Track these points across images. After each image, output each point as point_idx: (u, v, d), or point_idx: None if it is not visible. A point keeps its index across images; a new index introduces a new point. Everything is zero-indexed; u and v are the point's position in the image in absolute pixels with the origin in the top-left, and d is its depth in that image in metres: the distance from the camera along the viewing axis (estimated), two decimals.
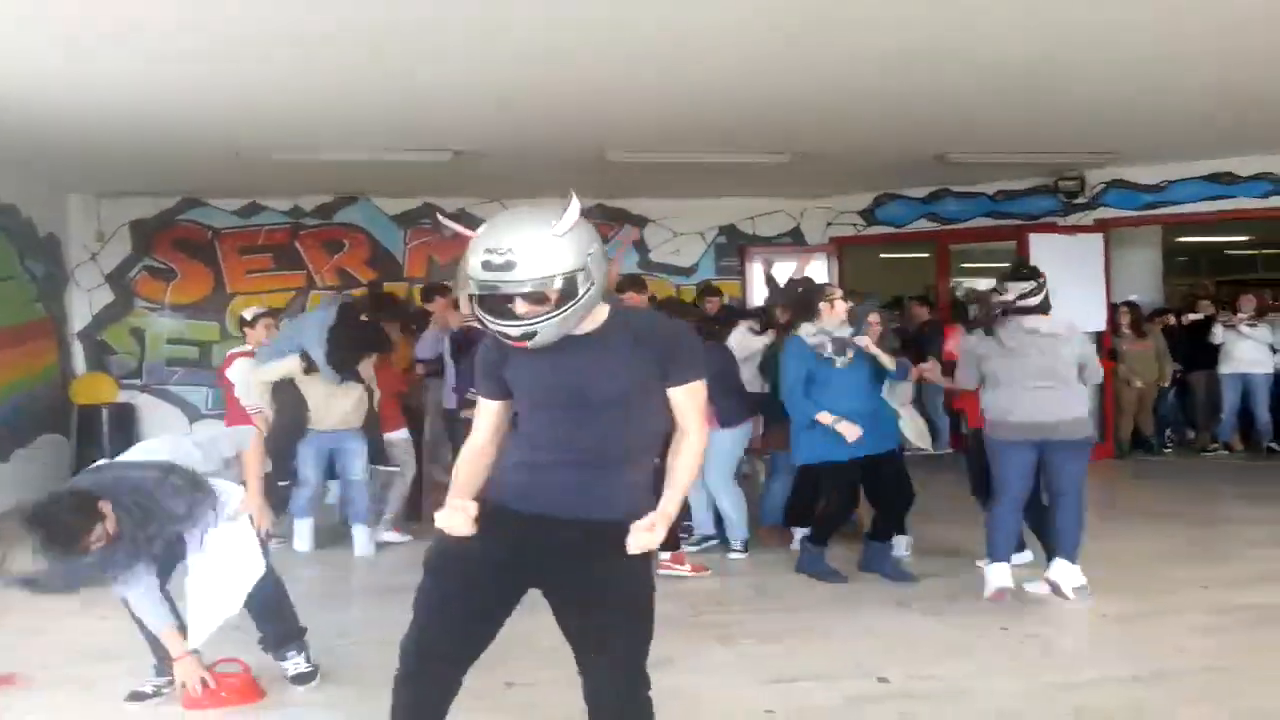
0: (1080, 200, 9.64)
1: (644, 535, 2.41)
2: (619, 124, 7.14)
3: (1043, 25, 5.15)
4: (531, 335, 2.34)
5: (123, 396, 9.63)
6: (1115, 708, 3.75)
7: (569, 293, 2.33)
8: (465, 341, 6.69)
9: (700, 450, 2.57)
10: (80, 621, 4.98)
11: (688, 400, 2.53)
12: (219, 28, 4.84)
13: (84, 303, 9.69)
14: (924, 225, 10.56)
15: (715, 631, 4.64)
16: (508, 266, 2.27)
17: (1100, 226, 9.57)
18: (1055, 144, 8.26)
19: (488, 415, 2.65)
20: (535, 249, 2.30)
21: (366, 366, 6.26)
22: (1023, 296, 5.04)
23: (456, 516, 2.46)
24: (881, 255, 12.80)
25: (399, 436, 6.64)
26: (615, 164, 8.18)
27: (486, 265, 2.29)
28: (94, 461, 9.02)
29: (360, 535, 6.31)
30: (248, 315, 6.82)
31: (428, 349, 7.14)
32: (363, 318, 6.45)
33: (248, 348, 6.62)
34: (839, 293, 5.53)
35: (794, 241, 11.04)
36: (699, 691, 3.89)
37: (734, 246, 10.96)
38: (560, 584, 2.57)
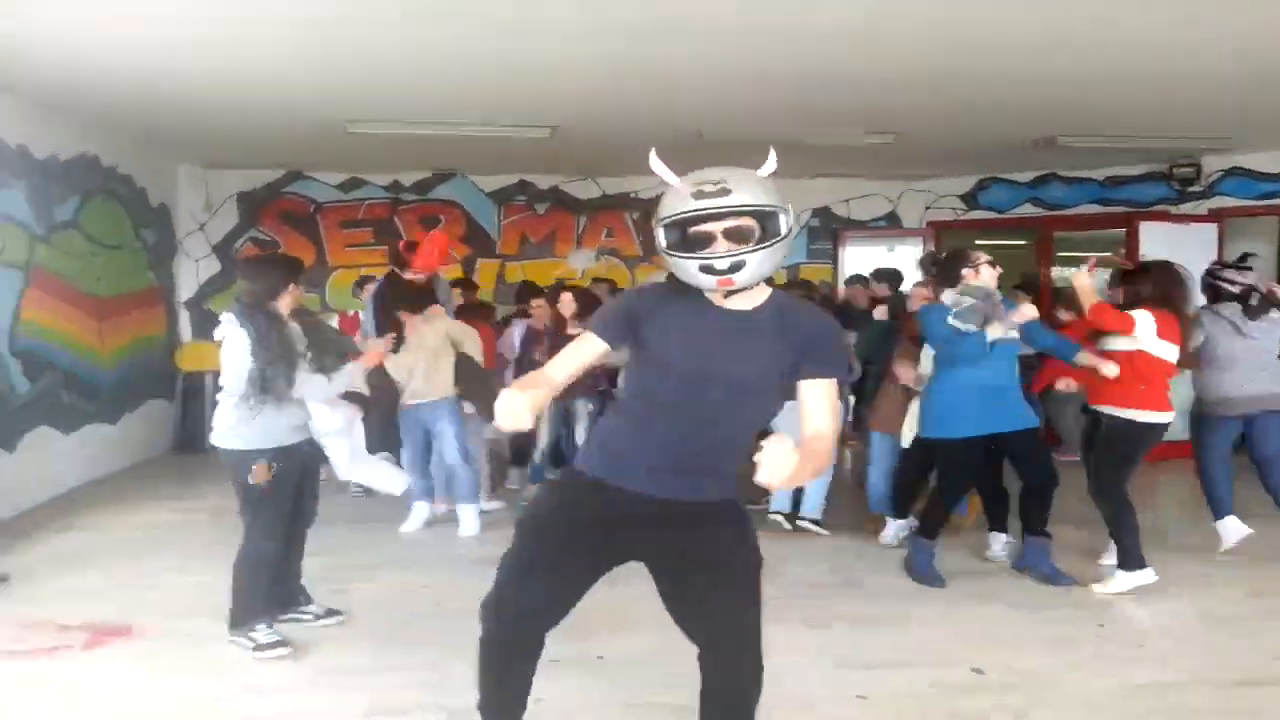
0: (1195, 188, 9.28)
1: (781, 455, 2.08)
2: (717, 102, 7.06)
3: (1159, 5, 4.94)
4: (740, 266, 2.32)
5: None
6: (1210, 711, 3.62)
7: (773, 230, 2.34)
8: (531, 337, 6.89)
9: (833, 441, 2.48)
10: (184, 579, 5.19)
11: (820, 398, 2.45)
12: (326, 1, 4.92)
13: (191, 272, 10.00)
14: (1028, 210, 10.26)
15: (801, 614, 4.59)
16: (723, 193, 2.30)
17: (1215, 216, 9.19)
18: (1170, 129, 7.93)
19: (587, 353, 2.52)
20: (748, 181, 2.35)
21: (417, 330, 6.06)
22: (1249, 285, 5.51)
23: (517, 400, 2.25)
24: (976, 242, 12.46)
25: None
26: (711, 143, 8.12)
27: (699, 194, 2.31)
28: (196, 428, 9.41)
29: (465, 514, 6.13)
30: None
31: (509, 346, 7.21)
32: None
33: None
34: (984, 257, 5.04)
35: (890, 225, 10.84)
36: (788, 674, 3.84)
37: (827, 229, 10.81)
38: (663, 556, 2.57)
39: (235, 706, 3.61)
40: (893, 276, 8.43)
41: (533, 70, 6.19)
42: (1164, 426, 5.08)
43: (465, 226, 10.33)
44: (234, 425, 4.07)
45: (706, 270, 2.32)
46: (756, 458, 2.10)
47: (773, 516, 6.14)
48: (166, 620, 4.52)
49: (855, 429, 6.83)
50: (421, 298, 6.39)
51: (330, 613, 4.50)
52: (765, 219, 2.34)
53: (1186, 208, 9.32)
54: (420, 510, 6.28)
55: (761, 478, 2.10)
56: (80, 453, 7.66)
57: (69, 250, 7.54)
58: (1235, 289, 5.48)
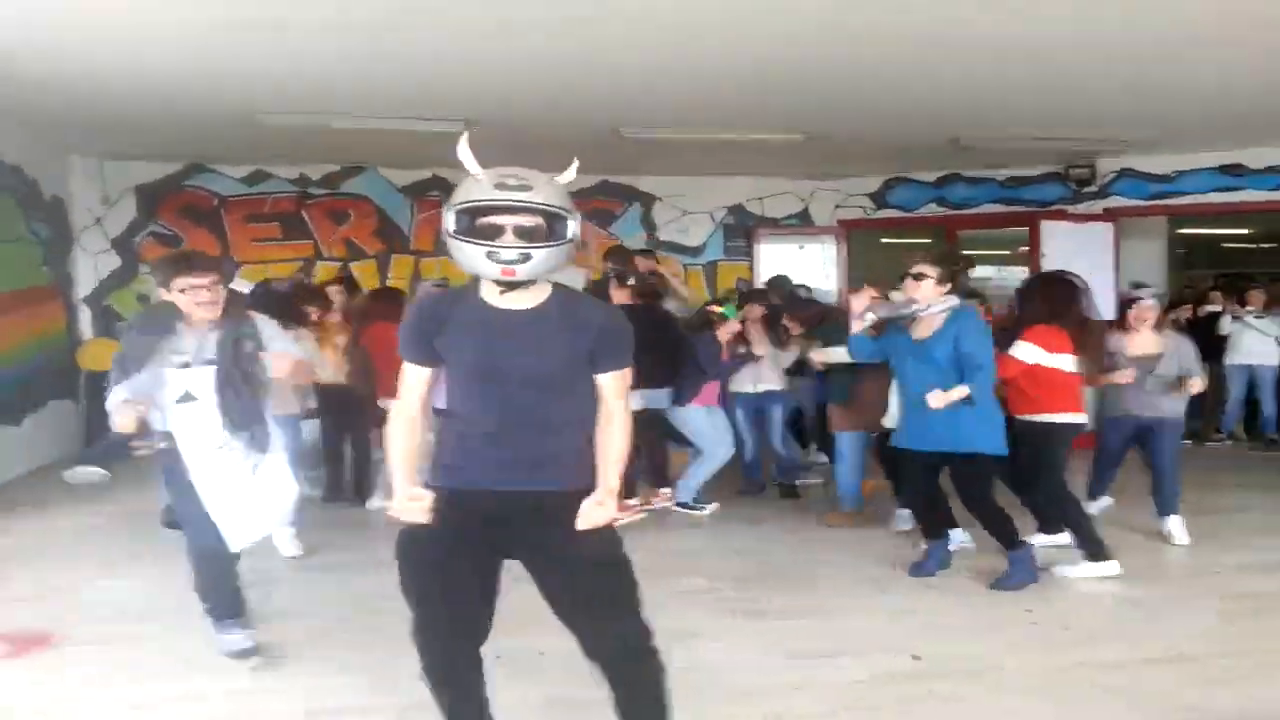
0: (1090, 188, 9.67)
1: (595, 511, 2.54)
2: (633, 100, 7.11)
3: (1058, 11, 5.14)
4: (526, 259, 2.42)
5: None
6: (1140, 689, 3.78)
7: (559, 233, 2.46)
8: None
9: (628, 428, 2.64)
10: (105, 583, 5.01)
11: (614, 386, 2.62)
12: None
13: (89, 267, 9.61)
14: (933, 210, 10.55)
15: (740, 606, 4.66)
16: (524, 188, 2.42)
17: (1110, 215, 9.60)
18: (1067, 131, 8.25)
19: (419, 382, 2.66)
20: (546, 183, 2.48)
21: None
22: None
23: (412, 506, 2.55)
24: (883, 240, 12.77)
25: None
26: (628, 140, 8.16)
27: (501, 186, 2.42)
28: (102, 428, 9.05)
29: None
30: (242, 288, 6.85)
31: None
32: None
33: None
34: (914, 269, 4.88)
35: (802, 223, 11.03)
36: (725, 665, 3.92)
37: (742, 227, 10.94)
38: (529, 552, 2.64)
39: (168, 712, 3.50)
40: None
41: (448, 62, 6.12)
42: (1076, 426, 5.34)
43: (377, 221, 10.16)
44: None
45: (492, 257, 2.41)
46: (579, 519, 2.52)
47: (677, 510, 6.46)
48: (88, 626, 4.37)
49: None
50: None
51: None
52: (554, 221, 2.46)
53: (1082, 208, 9.71)
54: None
55: (581, 525, 2.51)
56: None
57: None
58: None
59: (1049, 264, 9.11)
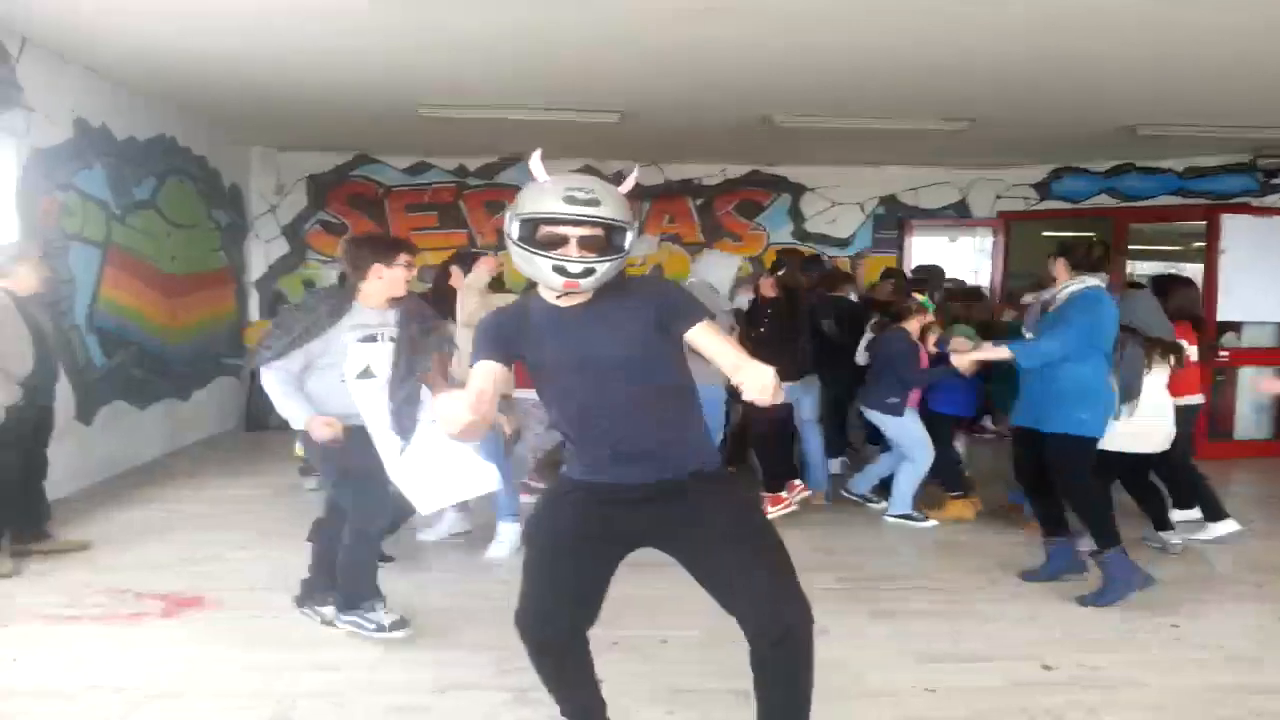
0: None
1: (755, 372, 2.26)
2: (786, 87, 6.99)
3: None
4: (590, 273, 2.43)
5: None
6: None
7: (618, 245, 2.48)
8: None
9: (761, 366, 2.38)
10: (253, 553, 5.28)
11: (708, 339, 2.51)
12: None
13: (261, 253, 10.17)
14: (1103, 201, 10.00)
15: (869, 606, 4.54)
16: (593, 202, 2.41)
17: None
18: (1256, 118, 7.66)
19: (484, 376, 2.53)
20: (613, 195, 2.48)
21: None
22: None
23: (454, 403, 2.36)
24: (1044, 234, 12.21)
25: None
26: (780, 129, 8.04)
27: (571, 200, 2.40)
28: (265, 406, 9.57)
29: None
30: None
31: None
32: None
33: None
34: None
35: (958, 215, 10.65)
36: (856, 665, 3.82)
37: (894, 218, 10.64)
38: (671, 539, 2.63)
39: (306, 679, 3.65)
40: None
41: (601, 54, 6.16)
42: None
43: None
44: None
45: (559, 270, 2.42)
46: (739, 383, 2.28)
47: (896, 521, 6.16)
48: (237, 593, 4.61)
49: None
50: None
51: None
52: (613, 233, 2.46)
53: (1271, 200, 9.02)
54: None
55: (749, 395, 2.26)
56: (153, 427, 7.84)
57: (145, 229, 7.70)
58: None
59: (1229, 260, 8.55)
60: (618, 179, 2.61)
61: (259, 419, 9.49)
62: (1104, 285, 4.88)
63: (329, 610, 4.15)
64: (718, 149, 9.51)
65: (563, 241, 2.43)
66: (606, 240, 2.45)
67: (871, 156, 9.89)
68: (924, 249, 10.30)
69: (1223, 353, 8.61)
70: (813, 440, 6.57)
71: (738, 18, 5.37)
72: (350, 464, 3.91)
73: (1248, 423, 8.97)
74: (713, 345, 2.50)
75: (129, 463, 7.36)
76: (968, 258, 11.32)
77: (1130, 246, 10.24)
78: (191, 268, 8.62)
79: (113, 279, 7.19)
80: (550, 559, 2.67)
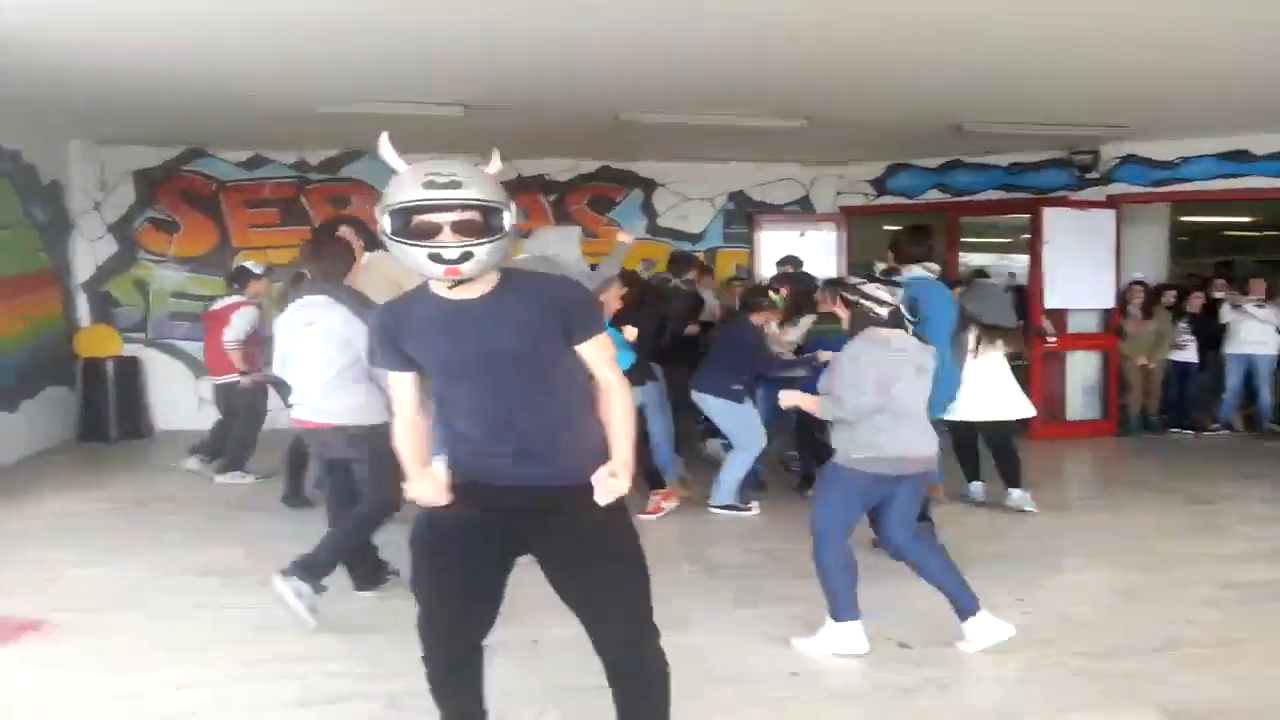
0: (1093, 175, 9.62)
1: (610, 482, 2.45)
2: (633, 83, 7.05)
3: None
4: (468, 256, 2.35)
5: (127, 350, 9.56)
6: (1130, 676, 3.77)
7: (497, 226, 2.39)
8: None
9: (626, 397, 2.58)
10: (94, 571, 5.00)
11: (595, 354, 2.57)
12: None
13: (87, 253, 9.59)
14: (935, 196, 10.50)
15: (731, 593, 4.65)
16: (453, 185, 2.33)
17: (1112, 202, 9.54)
18: (1071, 116, 8.20)
19: (404, 388, 2.63)
20: (476, 176, 2.39)
21: None
22: None
23: (426, 484, 2.51)
24: (884, 227, 12.73)
25: None
26: (627, 125, 8.11)
27: (430, 184, 2.33)
28: (99, 415, 9.14)
29: None
30: (254, 268, 7.38)
31: None
32: None
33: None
34: None
35: (803, 210, 10.98)
36: (718, 651, 3.91)
37: (742, 213, 10.89)
38: (545, 547, 2.60)
39: (161, 701, 3.49)
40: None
41: (447, 45, 6.06)
42: None
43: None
44: (364, 402, 4.27)
45: (434, 259, 2.36)
46: (597, 494, 2.44)
47: (718, 512, 6.26)
48: (80, 614, 4.36)
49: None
50: None
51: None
52: (489, 215, 2.39)
53: (1086, 194, 9.66)
54: None
55: (601, 500, 2.44)
56: None
57: None
58: (883, 310, 4.06)
59: (1051, 251, 9.11)
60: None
61: (93, 430, 8.98)
62: (932, 276, 5.24)
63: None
64: (568, 145, 9.52)
65: (436, 229, 2.35)
66: (484, 222, 2.38)
67: (719, 153, 10.09)
68: (775, 243, 10.57)
69: (1050, 339, 9.16)
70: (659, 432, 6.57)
71: (580, 13, 5.38)
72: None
73: (1077, 405, 9.57)
74: (599, 360, 2.56)
75: None
76: (817, 251, 11.67)
77: (965, 239, 10.79)
78: (10, 269, 8.07)
79: None
80: (442, 570, 2.59)
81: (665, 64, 6.49)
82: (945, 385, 5.16)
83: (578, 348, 2.54)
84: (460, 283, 2.42)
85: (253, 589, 4.68)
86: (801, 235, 11.74)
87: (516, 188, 10.28)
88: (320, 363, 4.28)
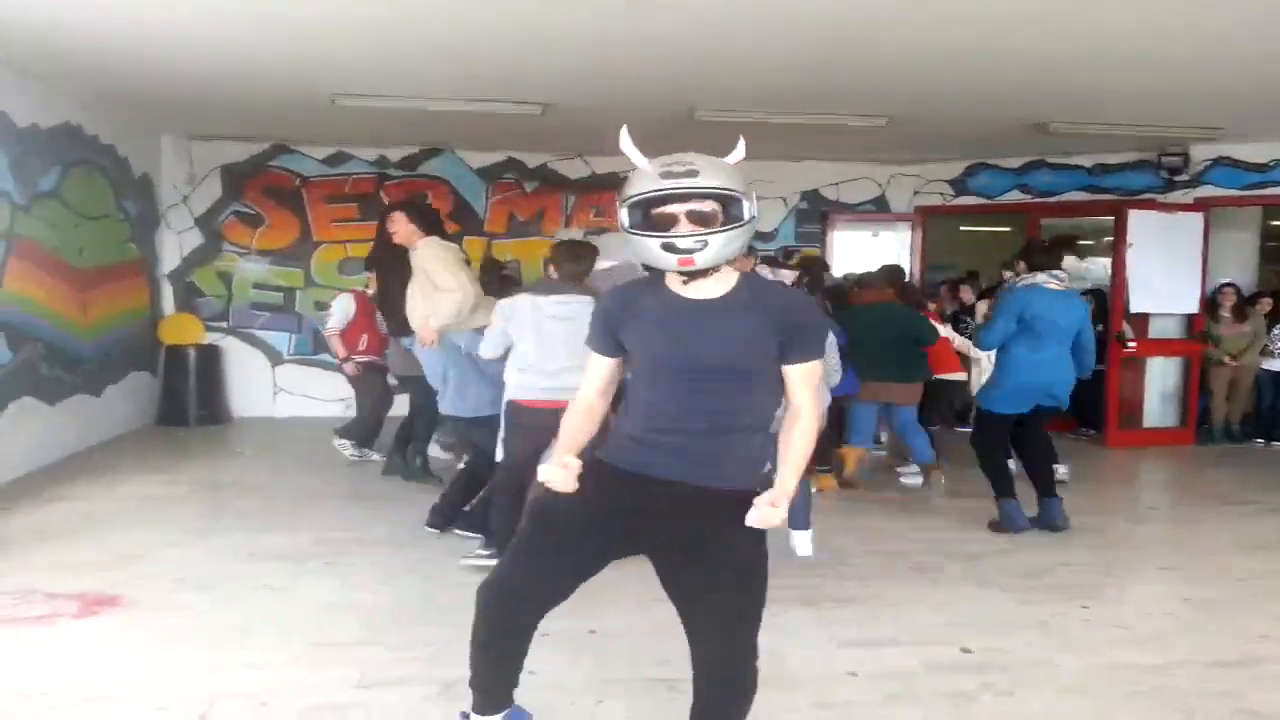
0: (1182, 177, 9.33)
1: (767, 511, 2.38)
2: (711, 82, 7.03)
3: None
4: (703, 246, 2.34)
5: (209, 338, 9.85)
6: (1203, 692, 3.65)
7: (734, 215, 2.38)
8: None
9: (814, 431, 2.54)
10: (171, 551, 5.16)
11: (803, 379, 2.51)
12: None
13: (174, 244, 9.89)
14: (1015, 197, 10.28)
15: (796, 593, 4.61)
16: (690, 174, 2.34)
17: (1201, 205, 9.23)
18: (1161, 117, 7.96)
19: (599, 371, 2.66)
20: (715, 165, 2.39)
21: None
22: None
23: (559, 472, 2.50)
24: (961, 228, 12.51)
25: None
26: (703, 124, 8.09)
27: (668, 174, 2.35)
28: (179, 401, 9.47)
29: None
30: None
31: None
32: None
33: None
34: None
35: (878, 209, 10.85)
36: (781, 650, 3.87)
37: (816, 212, 10.79)
38: (669, 549, 2.54)
39: (228, 678, 3.58)
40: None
41: (525, 45, 6.12)
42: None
43: (452, 203, 10.26)
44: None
45: (668, 249, 2.36)
46: (750, 513, 2.39)
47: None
48: (155, 592, 4.49)
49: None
50: None
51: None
52: (728, 204, 2.38)
53: (1174, 197, 9.37)
54: None
55: (753, 523, 2.39)
56: (64, 424, 7.59)
57: (51, 221, 7.44)
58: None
59: (1135, 255, 8.85)
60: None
61: (173, 415, 9.27)
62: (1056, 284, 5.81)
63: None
64: (641, 143, 9.51)
65: (674, 220, 2.36)
66: (722, 212, 2.37)
67: (793, 151, 10.01)
68: (848, 243, 10.47)
69: (1130, 343, 8.91)
70: None
71: (661, 13, 5.39)
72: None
73: (1155, 411, 9.29)
74: (803, 383, 2.50)
75: (38, 461, 7.11)
76: (890, 251, 11.53)
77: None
78: (102, 260, 8.35)
79: (17, 272, 6.92)
80: (553, 545, 2.55)
81: (743, 62, 6.45)
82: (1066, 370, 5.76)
83: (788, 367, 2.50)
84: (694, 275, 2.41)
85: (320, 573, 4.81)
86: (875, 235, 11.63)
87: (589, 185, 10.36)
88: (570, 352, 4.50)
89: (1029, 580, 4.95)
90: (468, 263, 5.94)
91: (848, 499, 6.59)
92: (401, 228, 5.65)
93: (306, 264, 10.07)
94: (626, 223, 2.40)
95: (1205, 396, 9.33)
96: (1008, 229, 11.95)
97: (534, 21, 5.61)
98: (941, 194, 10.65)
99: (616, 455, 2.58)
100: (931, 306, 8.18)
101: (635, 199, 2.38)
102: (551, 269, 4.96)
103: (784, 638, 4.01)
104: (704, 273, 2.42)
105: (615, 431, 2.64)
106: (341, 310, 7.41)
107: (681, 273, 2.41)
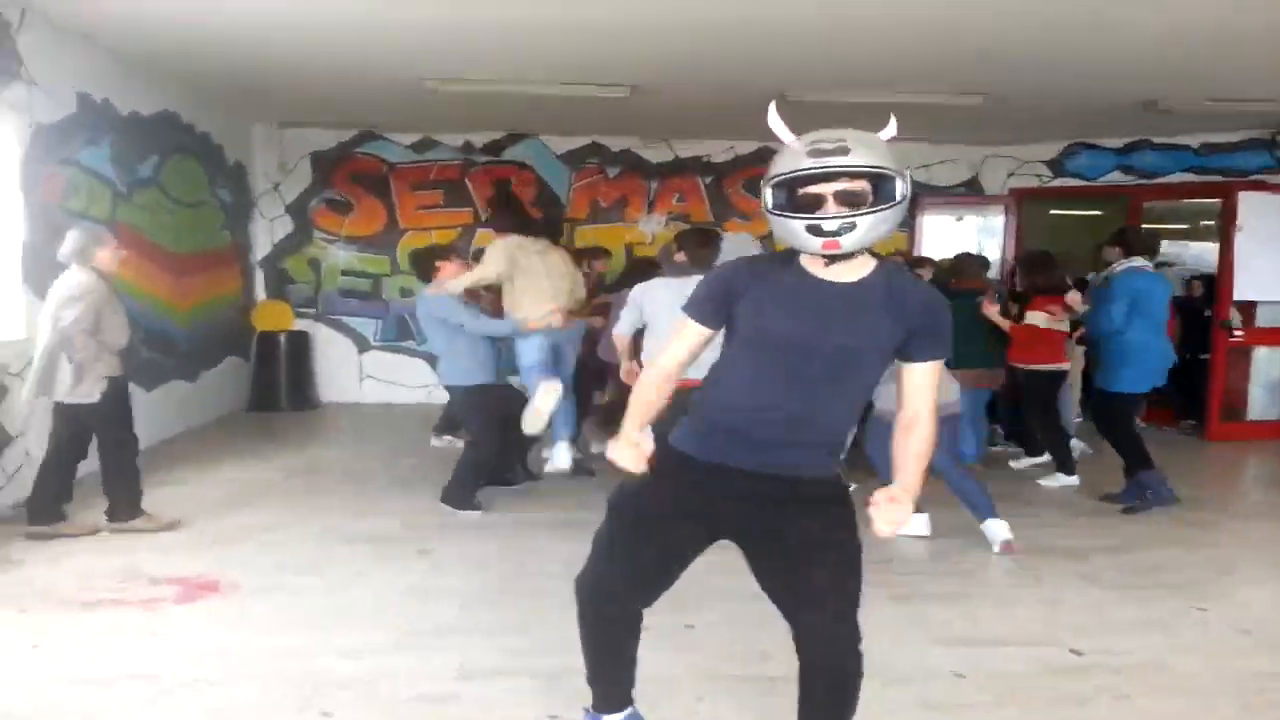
0: None
1: (892, 510, 2.23)
2: (800, 62, 6.87)
3: None
4: (849, 229, 2.20)
5: (299, 324, 10.00)
6: None
7: (887, 195, 2.23)
8: None
9: (933, 436, 2.40)
10: (268, 536, 5.22)
11: (925, 379, 2.39)
12: None
13: (266, 231, 10.07)
14: (1117, 179, 9.89)
15: (888, 590, 4.48)
16: (841, 151, 2.20)
17: None
18: (1277, 91, 7.55)
19: (691, 341, 2.49)
20: (867, 141, 2.25)
21: None
22: None
23: (630, 452, 2.38)
24: (1052, 212, 12.09)
25: None
26: (792, 104, 7.92)
27: (816, 152, 2.21)
28: (271, 387, 9.70)
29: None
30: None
31: None
32: None
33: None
34: None
35: (970, 192, 10.54)
36: (882, 650, 3.74)
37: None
38: (760, 538, 2.46)
39: (330, 664, 3.59)
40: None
41: (614, 27, 6.05)
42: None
43: (536, 189, 10.25)
44: None
45: (813, 231, 2.21)
46: (873, 513, 2.24)
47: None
48: (254, 577, 4.54)
49: None
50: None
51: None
52: (880, 182, 2.23)
53: None
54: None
55: (882, 530, 2.23)
56: (161, 408, 7.75)
57: (149, 207, 7.59)
58: None
59: (1244, 239, 8.45)
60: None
61: (265, 400, 9.43)
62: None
63: None
64: (727, 125, 9.38)
65: (820, 201, 2.22)
66: (872, 192, 2.23)
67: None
68: (937, 227, 10.18)
69: (1237, 332, 8.53)
70: None
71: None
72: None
73: (1260, 403, 8.89)
74: (924, 385, 2.38)
75: None
76: (972, 237, 11.20)
77: (1148, 224, 10.12)
78: (197, 246, 8.52)
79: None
80: (639, 540, 2.50)
81: (834, 42, 6.29)
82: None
83: (912, 365, 2.39)
84: (836, 259, 2.29)
85: (414, 558, 4.81)
86: (959, 220, 11.29)
87: (673, 170, 10.26)
88: None
89: (1138, 578, 4.76)
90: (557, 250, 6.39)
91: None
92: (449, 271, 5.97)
93: (393, 251, 10.16)
94: (770, 203, 2.27)
95: None
96: (1099, 213, 11.53)
97: (624, 4, 5.52)
98: (1039, 175, 10.29)
99: (699, 448, 2.47)
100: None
101: (781, 178, 2.25)
102: (680, 254, 5.16)
103: (883, 635, 3.89)
104: (847, 256, 2.29)
105: (694, 415, 2.52)
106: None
107: (825, 256, 2.27)
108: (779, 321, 2.34)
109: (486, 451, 5.72)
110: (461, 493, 5.66)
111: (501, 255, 6.07)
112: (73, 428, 5.06)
